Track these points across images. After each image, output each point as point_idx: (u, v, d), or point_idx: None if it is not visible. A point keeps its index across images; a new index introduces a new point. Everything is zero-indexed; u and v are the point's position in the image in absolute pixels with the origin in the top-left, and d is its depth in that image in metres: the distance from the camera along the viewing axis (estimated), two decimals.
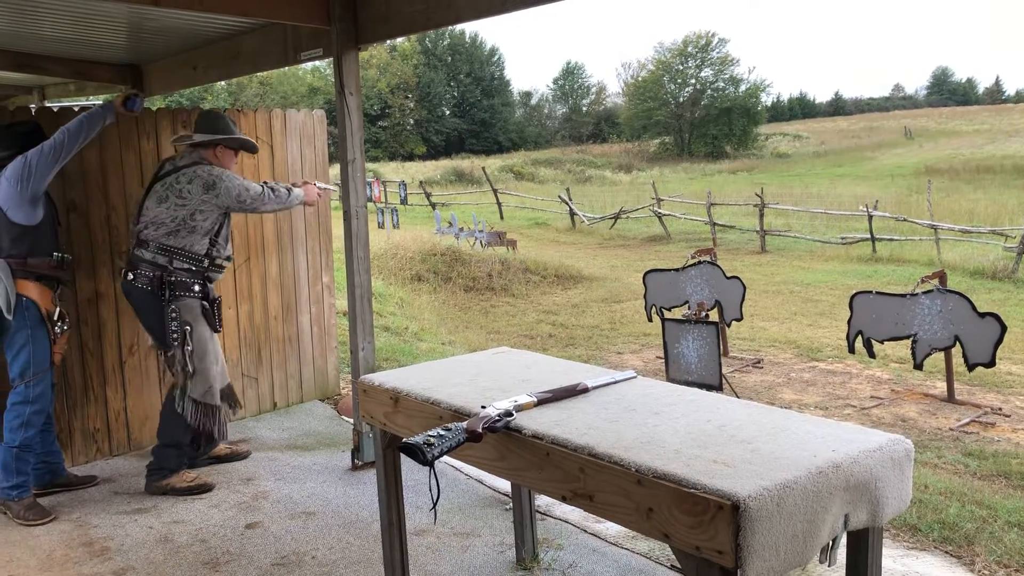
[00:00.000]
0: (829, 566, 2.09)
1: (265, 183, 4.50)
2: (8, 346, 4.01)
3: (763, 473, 1.89)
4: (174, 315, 4.23)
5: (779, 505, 1.82)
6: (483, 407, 2.41)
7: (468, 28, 66.68)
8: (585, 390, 2.62)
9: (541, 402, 2.50)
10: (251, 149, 4.63)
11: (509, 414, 2.37)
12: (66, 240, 4.54)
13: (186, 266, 4.26)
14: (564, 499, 2.21)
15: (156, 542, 3.79)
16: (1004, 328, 6.26)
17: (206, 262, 4.32)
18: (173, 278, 4.23)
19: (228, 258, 4.49)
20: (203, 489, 4.35)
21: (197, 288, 4.29)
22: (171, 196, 4.23)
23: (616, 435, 2.20)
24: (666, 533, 1.92)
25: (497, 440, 2.37)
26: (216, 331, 4.42)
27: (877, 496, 2.06)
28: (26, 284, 3.96)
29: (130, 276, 4.26)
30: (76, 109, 4.63)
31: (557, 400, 2.54)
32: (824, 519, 1.93)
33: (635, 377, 2.78)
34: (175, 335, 4.24)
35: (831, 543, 2.03)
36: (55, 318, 4.05)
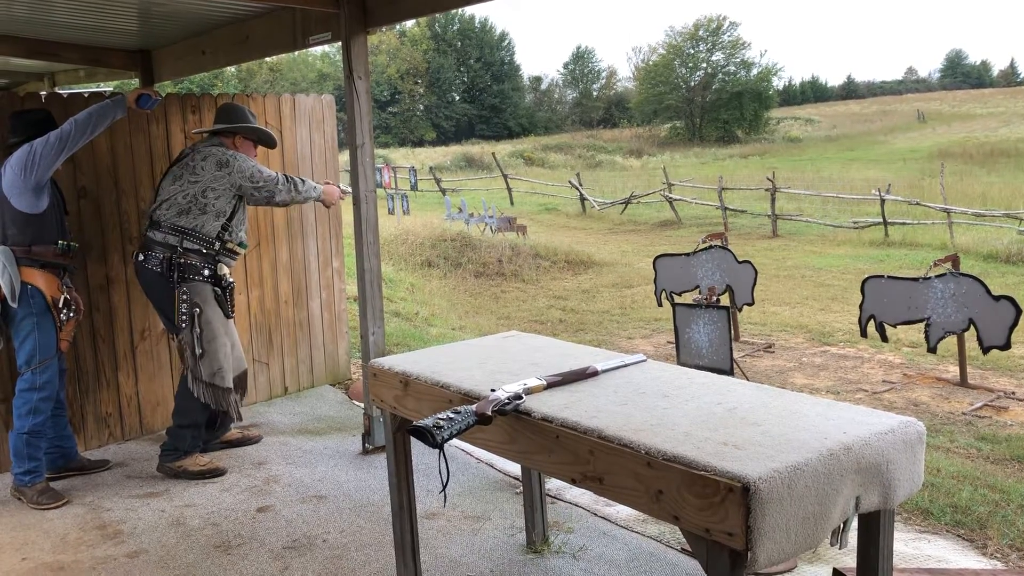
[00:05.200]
0: (840, 548, 2.08)
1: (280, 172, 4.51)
2: (15, 334, 4.03)
3: (774, 455, 1.88)
4: (184, 297, 4.21)
5: (790, 487, 1.81)
6: (492, 390, 2.40)
7: (477, 12, 66.58)
8: (595, 373, 2.61)
9: (551, 385, 2.49)
10: (269, 143, 4.61)
11: (519, 397, 2.36)
12: (76, 226, 4.55)
13: (196, 247, 4.23)
14: (574, 482, 2.21)
15: (168, 525, 3.82)
16: (1020, 311, 6.21)
17: (217, 245, 4.29)
18: (183, 260, 4.21)
19: (242, 244, 4.46)
20: (215, 473, 4.37)
21: (207, 272, 4.27)
22: (185, 174, 4.26)
23: (626, 418, 2.19)
24: (676, 515, 1.92)
25: (507, 423, 2.37)
26: (228, 316, 4.40)
27: (889, 478, 2.04)
28: (31, 272, 3.97)
29: (141, 257, 4.28)
30: (86, 96, 4.64)
31: (567, 383, 2.53)
32: (835, 501, 1.92)
33: (645, 360, 2.77)
34: (184, 317, 4.23)
35: (842, 525, 2.02)
36: (60, 305, 4.05)
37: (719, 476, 1.81)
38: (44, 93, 5.05)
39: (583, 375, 2.59)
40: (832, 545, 2.05)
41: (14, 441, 4.05)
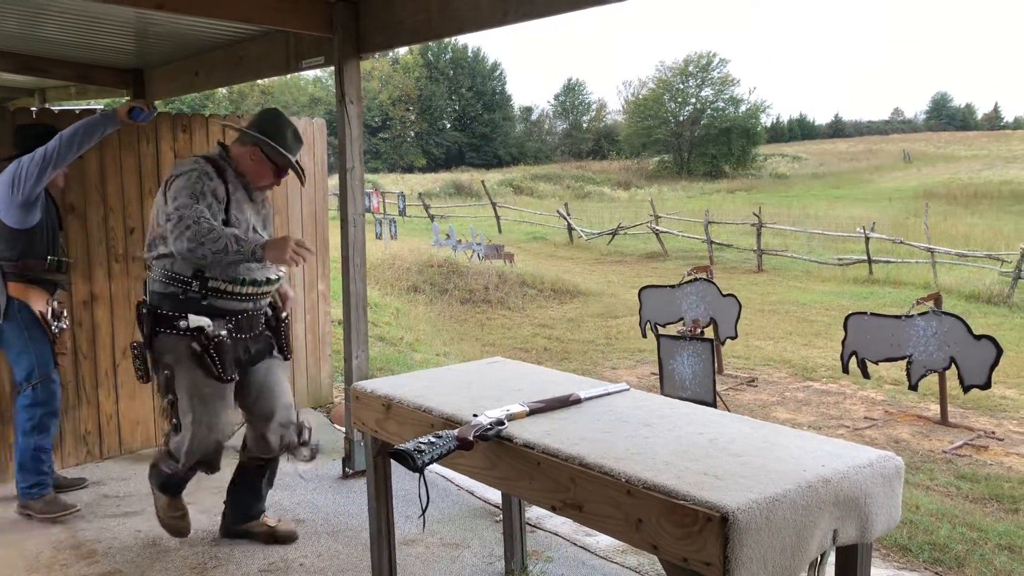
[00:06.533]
0: None
1: (233, 233, 3.24)
2: (7, 350, 3.99)
3: (753, 486, 1.89)
4: (141, 350, 3.46)
5: (768, 518, 1.82)
6: (475, 415, 2.41)
7: (470, 42, 67.14)
8: (578, 401, 2.62)
9: (533, 411, 2.50)
10: (298, 177, 3.59)
11: (501, 423, 2.37)
12: (63, 242, 4.52)
13: (168, 291, 3.34)
14: (554, 509, 2.21)
15: (144, 546, 3.77)
16: (1000, 350, 6.26)
17: (195, 284, 3.31)
18: (145, 309, 3.39)
19: (246, 281, 3.40)
20: (174, 532, 3.70)
21: (183, 324, 3.30)
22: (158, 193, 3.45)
23: (607, 446, 2.20)
24: (655, 544, 1.92)
25: (488, 449, 2.37)
26: (223, 379, 3.39)
27: (866, 512, 2.06)
28: (19, 287, 3.92)
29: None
30: (77, 112, 4.64)
31: (549, 410, 2.54)
32: (813, 533, 1.93)
33: (628, 389, 2.78)
34: (138, 374, 3.51)
35: (819, 558, 2.03)
36: (49, 318, 4.00)
37: (698, 506, 1.82)
38: (35, 109, 5.05)
39: (566, 402, 2.60)
40: None
41: (20, 456, 4.00)
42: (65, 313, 4.15)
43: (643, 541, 1.95)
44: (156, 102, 6.50)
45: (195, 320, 3.32)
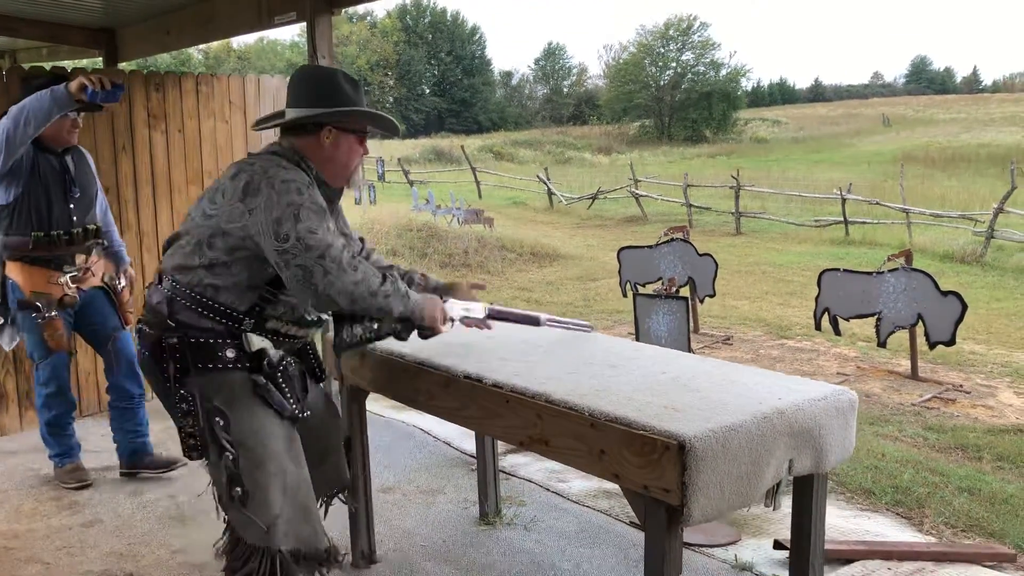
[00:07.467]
0: (774, 510, 2.17)
1: (364, 255, 2.59)
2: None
3: (710, 417, 1.97)
4: (189, 403, 2.35)
5: (724, 446, 1.90)
6: None
7: (449, 5, 66.61)
8: (537, 321, 2.72)
9: (491, 316, 2.62)
10: (389, 129, 2.60)
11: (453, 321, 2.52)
12: (72, 210, 4.19)
13: (203, 324, 2.33)
14: (522, 444, 2.28)
15: (126, 497, 3.84)
16: (965, 306, 6.38)
17: (246, 321, 2.36)
18: (176, 338, 2.33)
19: (310, 322, 2.52)
20: None
21: (231, 354, 2.34)
22: (207, 194, 2.40)
23: (574, 384, 2.27)
24: (616, 473, 2.00)
25: (459, 390, 2.44)
26: (294, 416, 2.43)
27: (820, 443, 2.14)
28: (15, 266, 3.72)
29: (141, 328, 2.47)
30: (48, 68, 4.62)
31: (511, 321, 2.67)
32: (768, 462, 2.02)
33: (592, 329, 2.87)
34: (198, 438, 2.38)
35: (776, 487, 2.11)
36: (35, 303, 3.67)
37: (657, 435, 1.89)
38: (5, 70, 5.00)
39: (527, 318, 2.70)
40: (767, 507, 2.14)
41: (40, 428, 4.03)
42: (65, 298, 3.74)
43: (606, 471, 2.03)
44: (130, 62, 6.45)
45: (256, 341, 2.38)
